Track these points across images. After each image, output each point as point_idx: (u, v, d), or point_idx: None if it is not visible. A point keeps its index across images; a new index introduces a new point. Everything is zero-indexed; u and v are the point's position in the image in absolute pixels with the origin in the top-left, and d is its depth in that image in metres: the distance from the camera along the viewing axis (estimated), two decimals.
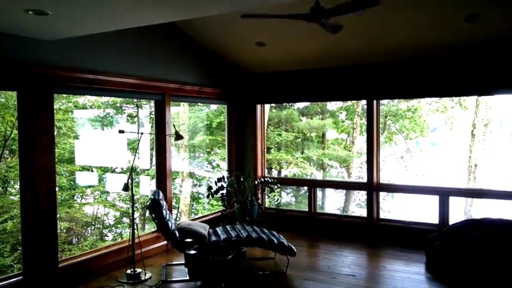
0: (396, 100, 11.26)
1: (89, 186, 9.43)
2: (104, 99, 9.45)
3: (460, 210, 10.46)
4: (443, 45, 5.17)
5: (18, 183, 4.15)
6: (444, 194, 5.67)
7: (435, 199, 5.75)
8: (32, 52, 4.00)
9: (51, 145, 4.19)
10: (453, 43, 5.09)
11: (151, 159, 9.12)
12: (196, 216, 7.74)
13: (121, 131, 4.79)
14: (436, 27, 4.80)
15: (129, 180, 4.58)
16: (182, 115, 10.75)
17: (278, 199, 7.39)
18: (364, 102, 10.67)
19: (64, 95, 8.28)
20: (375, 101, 6.02)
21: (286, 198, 12.63)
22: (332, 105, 12.26)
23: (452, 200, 5.73)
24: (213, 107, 11.21)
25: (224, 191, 6.13)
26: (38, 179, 4.05)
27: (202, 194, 11.41)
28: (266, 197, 7.16)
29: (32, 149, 4.00)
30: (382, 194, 6.36)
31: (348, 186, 9.75)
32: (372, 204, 6.08)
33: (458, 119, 11.91)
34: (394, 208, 11.64)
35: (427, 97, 8.12)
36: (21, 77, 3.91)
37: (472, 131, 10.87)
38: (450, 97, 10.67)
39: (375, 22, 4.78)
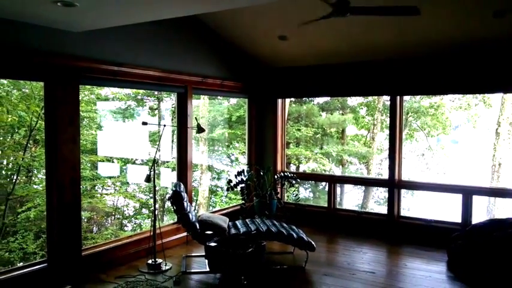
0: (418, 97, 11.08)
1: (110, 177, 9.57)
2: (126, 91, 9.55)
3: (482, 210, 10.27)
4: (469, 41, 5.05)
5: (42, 173, 4.23)
6: (468, 193, 5.58)
7: (458, 198, 5.65)
8: (59, 43, 4.06)
9: (76, 135, 4.25)
10: (479, 39, 4.97)
11: (171, 152, 9.19)
12: (215, 209, 7.78)
13: (144, 123, 4.84)
14: (463, 22, 4.69)
15: (151, 171, 4.64)
16: (202, 108, 10.79)
17: (297, 194, 7.38)
18: (385, 98, 10.61)
19: (87, 87, 8.39)
20: (398, 97, 5.95)
21: (304, 193, 12.59)
22: (352, 101, 12.14)
23: (476, 199, 5.63)
24: (233, 100, 11.22)
25: (244, 185, 6.15)
26: (63, 169, 4.12)
27: (221, 188, 11.48)
28: (285, 191, 7.16)
29: (58, 139, 4.07)
30: (402, 192, 6.27)
31: (369, 183, 9.66)
32: (393, 201, 6.01)
33: (482, 117, 11.66)
34: (414, 206, 11.50)
35: (451, 93, 7.95)
36: (48, 68, 3.98)
37: (497, 130, 10.65)
38: (474, 94, 10.45)
39: (399, 17, 4.68)
